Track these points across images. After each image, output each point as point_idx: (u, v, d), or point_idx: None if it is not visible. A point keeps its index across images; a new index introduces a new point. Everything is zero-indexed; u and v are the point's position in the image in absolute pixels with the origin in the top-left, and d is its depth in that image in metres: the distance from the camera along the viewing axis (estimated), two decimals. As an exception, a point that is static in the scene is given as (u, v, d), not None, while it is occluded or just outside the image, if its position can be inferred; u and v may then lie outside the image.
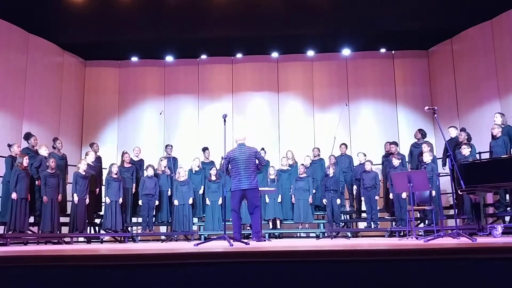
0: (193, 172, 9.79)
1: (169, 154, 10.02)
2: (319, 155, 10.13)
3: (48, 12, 9.32)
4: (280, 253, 2.49)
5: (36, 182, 8.17)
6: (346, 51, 11.44)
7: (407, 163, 9.69)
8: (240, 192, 6.17)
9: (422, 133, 9.47)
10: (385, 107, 11.30)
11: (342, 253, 2.45)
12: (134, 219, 9.93)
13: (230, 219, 9.26)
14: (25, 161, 7.85)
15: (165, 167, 9.61)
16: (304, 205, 9.28)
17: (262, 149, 9.62)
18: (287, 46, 11.31)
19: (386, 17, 9.64)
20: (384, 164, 9.68)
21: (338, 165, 9.68)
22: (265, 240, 6.60)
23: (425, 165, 8.22)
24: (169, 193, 9.54)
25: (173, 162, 9.72)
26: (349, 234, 9.21)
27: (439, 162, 9.19)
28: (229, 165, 6.30)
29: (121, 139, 11.40)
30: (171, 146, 10.15)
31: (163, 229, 10.17)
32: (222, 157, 6.10)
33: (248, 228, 9.24)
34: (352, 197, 9.90)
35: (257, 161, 6.26)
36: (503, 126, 7.98)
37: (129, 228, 9.69)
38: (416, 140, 9.49)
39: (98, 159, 9.67)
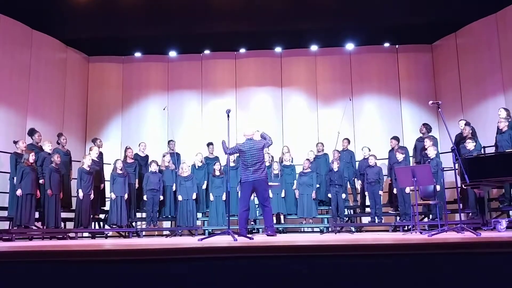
0: (196, 167, 9.80)
1: (172, 150, 10.02)
2: (323, 150, 10.13)
3: (51, 8, 9.30)
4: (284, 248, 2.50)
5: (40, 181, 8.19)
6: (349, 46, 11.40)
7: (411, 157, 9.67)
8: (250, 183, 6.41)
9: (427, 127, 9.43)
10: (389, 101, 11.26)
11: (346, 248, 2.45)
12: (138, 214, 9.96)
13: (235, 215, 9.41)
14: (31, 157, 7.89)
15: (168, 162, 9.63)
16: (307, 200, 9.29)
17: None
18: (290, 41, 11.28)
19: (389, 11, 9.58)
20: (391, 158, 9.64)
21: (343, 160, 9.69)
22: (276, 235, 6.66)
23: (429, 160, 8.20)
24: (174, 188, 9.56)
25: (176, 158, 9.72)
26: (353, 228, 9.21)
27: (443, 156, 9.15)
28: (239, 156, 6.65)
29: (125, 134, 11.42)
30: (174, 141, 10.15)
31: (167, 224, 10.20)
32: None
33: (252, 223, 9.27)
34: (355, 191, 9.89)
35: (265, 149, 6.65)
36: (509, 120, 7.94)
37: (134, 223, 9.72)
38: (421, 135, 9.45)
39: (100, 155, 9.67)
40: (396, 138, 9.60)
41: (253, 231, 9.24)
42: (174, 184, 9.54)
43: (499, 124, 7.91)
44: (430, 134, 9.39)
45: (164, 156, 9.73)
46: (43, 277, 2.38)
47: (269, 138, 6.65)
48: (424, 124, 9.51)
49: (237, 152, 6.66)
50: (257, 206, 9.01)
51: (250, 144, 6.52)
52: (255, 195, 6.70)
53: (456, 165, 6.13)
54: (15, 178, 7.90)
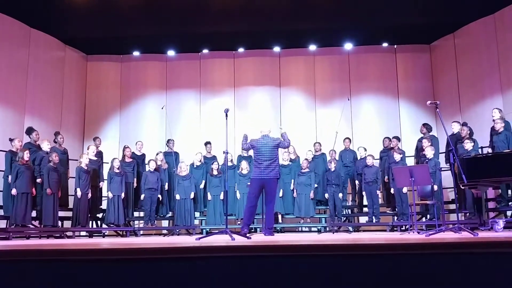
0: (195, 166, 9.80)
1: (171, 149, 10.02)
2: (320, 149, 10.13)
3: (49, 7, 9.28)
4: (282, 247, 2.50)
5: (38, 180, 8.17)
6: (348, 45, 11.40)
7: (412, 157, 9.70)
8: (260, 180, 6.35)
9: (427, 127, 9.42)
10: (387, 101, 11.27)
11: (344, 248, 2.45)
12: (136, 214, 9.95)
13: (233, 214, 9.42)
14: (26, 155, 7.84)
15: (161, 161, 9.62)
16: (305, 200, 9.29)
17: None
18: (289, 40, 11.28)
19: (388, 11, 9.59)
20: (383, 159, 9.66)
21: (341, 160, 9.70)
22: (274, 234, 6.65)
23: (427, 160, 8.21)
24: (167, 187, 9.56)
25: (174, 157, 9.72)
26: (350, 228, 9.22)
27: (441, 156, 9.17)
28: (253, 153, 6.58)
29: (123, 133, 11.41)
30: (173, 140, 10.14)
31: (165, 223, 10.19)
32: (223, 151, 6.19)
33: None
34: (355, 191, 9.90)
35: (280, 148, 6.63)
36: (504, 121, 7.97)
37: (131, 222, 9.71)
38: (422, 135, 9.45)
39: (99, 154, 9.67)
40: (397, 138, 9.59)
41: (251, 230, 9.23)
42: (167, 183, 9.54)
43: (495, 125, 7.94)
44: (430, 134, 9.39)
45: (157, 154, 9.72)
46: (40, 276, 2.37)
47: (287, 140, 6.60)
48: (424, 124, 9.51)
49: (250, 148, 6.64)
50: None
51: (264, 141, 6.48)
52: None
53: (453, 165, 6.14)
54: (9, 176, 7.87)
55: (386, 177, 9.30)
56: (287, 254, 2.42)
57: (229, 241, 4.15)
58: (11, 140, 8.20)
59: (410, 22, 10.13)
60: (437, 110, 5.73)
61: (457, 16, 9.86)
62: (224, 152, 6.12)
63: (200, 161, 9.87)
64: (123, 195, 9.06)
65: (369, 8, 9.53)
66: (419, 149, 9.18)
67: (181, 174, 9.26)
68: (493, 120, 8.03)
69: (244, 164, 9.28)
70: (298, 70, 11.60)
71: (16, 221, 7.58)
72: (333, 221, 8.82)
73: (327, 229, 8.79)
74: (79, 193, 8.44)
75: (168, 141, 10.22)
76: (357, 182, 9.67)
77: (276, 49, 11.59)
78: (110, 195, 8.97)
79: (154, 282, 2.34)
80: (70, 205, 8.87)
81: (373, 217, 8.96)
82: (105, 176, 9.49)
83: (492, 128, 8.07)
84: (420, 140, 9.47)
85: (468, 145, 7.84)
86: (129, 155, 9.68)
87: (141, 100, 11.60)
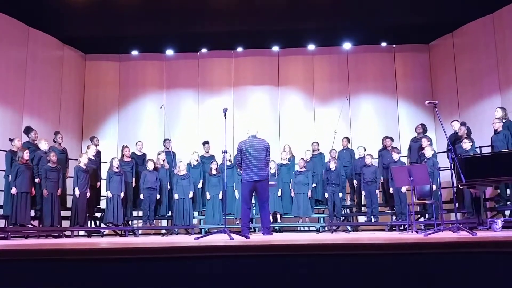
0: (192, 166, 9.79)
1: (168, 148, 10.01)
2: (318, 149, 10.14)
3: (48, 6, 9.27)
4: (280, 247, 2.50)
5: (36, 179, 8.16)
6: (347, 45, 11.41)
7: (405, 157, 9.69)
8: (251, 183, 6.22)
9: (424, 127, 9.44)
10: (386, 101, 11.28)
11: (342, 247, 2.45)
12: (134, 213, 9.94)
13: (232, 214, 9.41)
14: (26, 155, 7.84)
15: (163, 160, 9.61)
16: (303, 199, 9.29)
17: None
18: (287, 40, 11.28)
19: (387, 11, 9.60)
20: (380, 158, 9.66)
21: (340, 159, 9.71)
22: (272, 234, 6.62)
23: (426, 160, 8.22)
24: (168, 187, 9.55)
25: (172, 156, 9.72)
26: (349, 228, 9.22)
27: (439, 156, 9.18)
28: (241, 157, 6.34)
29: (122, 133, 11.40)
30: (170, 140, 10.14)
31: (163, 223, 10.19)
32: (222, 151, 6.13)
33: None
34: (353, 191, 9.91)
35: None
36: (504, 120, 7.97)
37: (130, 222, 9.71)
38: (416, 135, 9.48)
39: (97, 153, 9.65)
40: (391, 138, 9.61)
41: (250, 230, 9.22)
42: (168, 183, 9.54)
43: (493, 124, 7.95)
44: (425, 134, 9.40)
45: (159, 154, 9.71)
46: (39, 276, 2.37)
47: (269, 156, 6.47)
48: (422, 125, 9.53)
49: (240, 155, 6.34)
50: (253, 205, 9.00)
51: (253, 141, 6.32)
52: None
53: (447, 164, 6.13)
54: (10, 176, 7.87)
55: (382, 177, 9.30)
56: (286, 254, 2.42)
57: (228, 240, 4.14)
58: (11, 140, 8.20)
59: (409, 21, 10.14)
60: (436, 109, 5.74)
61: (455, 16, 9.88)
62: (222, 152, 6.06)
63: (197, 160, 9.86)
64: (122, 194, 9.05)
65: (368, 8, 9.54)
66: (417, 149, 9.18)
67: (179, 174, 9.25)
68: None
69: (243, 164, 9.27)
70: (297, 69, 11.60)
71: (15, 220, 7.58)
72: (331, 220, 8.83)
73: (326, 228, 8.80)
74: (77, 192, 8.43)
75: (165, 140, 10.21)
76: (355, 181, 9.68)
77: (275, 48, 11.59)
78: (109, 194, 8.96)
79: (153, 281, 2.34)
80: (69, 205, 8.86)
81: (372, 216, 8.97)
82: (103, 175, 9.47)
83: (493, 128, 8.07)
84: (414, 141, 9.49)
85: (466, 144, 7.84)
86: (128, 155, 9.67)
87: (139, 99, 11.59)
